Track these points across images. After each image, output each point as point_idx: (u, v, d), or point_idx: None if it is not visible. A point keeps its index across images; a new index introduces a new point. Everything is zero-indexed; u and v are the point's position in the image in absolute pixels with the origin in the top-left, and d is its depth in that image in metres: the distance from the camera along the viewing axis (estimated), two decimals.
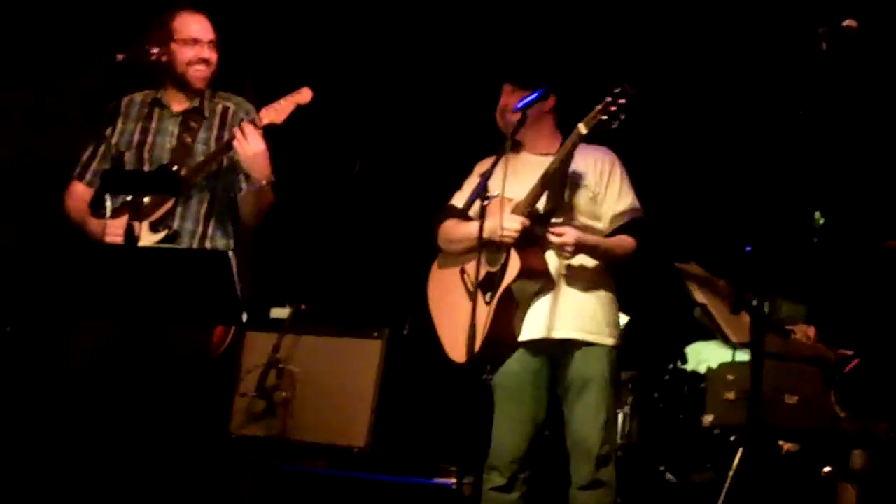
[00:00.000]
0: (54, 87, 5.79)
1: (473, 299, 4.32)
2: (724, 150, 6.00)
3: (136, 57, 4.52)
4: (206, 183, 4.58)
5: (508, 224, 4.44)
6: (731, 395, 5.13)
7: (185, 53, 4.57)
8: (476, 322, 4.30)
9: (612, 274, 4.60)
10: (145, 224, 4.44)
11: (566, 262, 4.50)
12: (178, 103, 4.65)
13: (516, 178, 4.54)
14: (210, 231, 4.59)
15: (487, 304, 4.49)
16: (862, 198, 5.47)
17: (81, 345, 4.42)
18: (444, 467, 5.69)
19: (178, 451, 4.39)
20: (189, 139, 4.60)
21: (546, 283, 4.51)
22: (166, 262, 4.03)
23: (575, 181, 4.55)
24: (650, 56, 6.08)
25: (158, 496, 4.35)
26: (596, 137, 4.46)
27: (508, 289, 4.48)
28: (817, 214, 5.12)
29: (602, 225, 4.57)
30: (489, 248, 4.51)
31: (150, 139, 4.62)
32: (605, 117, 4.33)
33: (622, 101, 4.30)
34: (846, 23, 3.78)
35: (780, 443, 5.21)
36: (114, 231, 4.37)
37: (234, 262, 3.86)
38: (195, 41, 4.57)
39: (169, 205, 4.52)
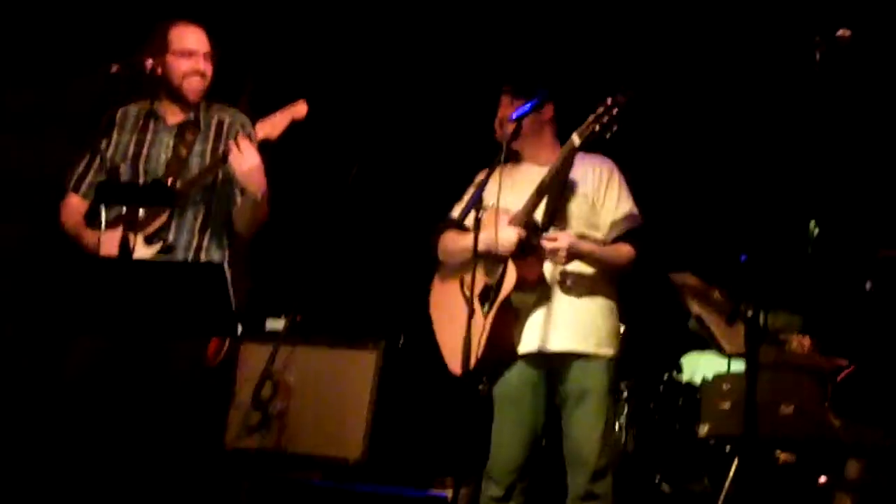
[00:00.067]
0: (55, 90, 5.78)
1: (471, 311, 4.33)
2: (719, 159, 6.01)
3: (131, 68, 4.52)
4: (201, 195, 4.58)
5: (504, 236, 4.44)
6: (726, 405, 5.13)
7: (180, 65, 4.57)
8: (472, 334, 4.32)
9: (612, 283, 4.59)
10: (140, 237, 4.45)
11: (564, 271, 4.50)
12: (173, 115, 4.65)
13: (516, 188, 4.55)
14: (205, 243, 4.59)
15: (485, 315, 4.49)
16: (856, 207, 5.47)
17: (77, 357, 4.41)
18: (439, 478, 5.68)
19: (173, 464, 4.39)
20: (184, 151, 4.60)
21: (543, 294, 4.50)
22: (161, 275, 4.03)
23: (573, 190, 4.55)
24: (646, 66, 6.08)
25: None
26: (594, 147, 4.47)
27: (506, 300, 4.47)
28: (812, 224, 5.12)
29: (601, 234, 4.56)
30: (487, 259, 4.51)
31: (145, 151, 4.62)
32: (597, 128, 4.36)
33: (614, 111, 4.32)
34: (840, 32, 3.79)
35: (777, 453, 5.20)
36: (108, 243, 4.37)
37: (228, 275, 3.87)
38: (190, 53, 4.58)
39: (164, 218, 4.52)
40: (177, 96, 4.62)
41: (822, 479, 5.01)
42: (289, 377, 5.85)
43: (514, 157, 4.68)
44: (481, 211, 4.45)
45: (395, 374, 6.01)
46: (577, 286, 4.52)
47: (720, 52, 6.02)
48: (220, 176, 4.61)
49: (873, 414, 4.53)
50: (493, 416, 4.63)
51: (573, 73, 5.27)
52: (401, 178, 6.67)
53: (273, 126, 4.53)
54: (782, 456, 5.19)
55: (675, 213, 5.41)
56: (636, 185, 4.68)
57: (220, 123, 4.68)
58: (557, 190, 4.52)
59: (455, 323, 4.51)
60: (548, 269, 4.50)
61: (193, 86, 4.60)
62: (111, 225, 4.43)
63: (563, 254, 4.42)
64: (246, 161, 4.46)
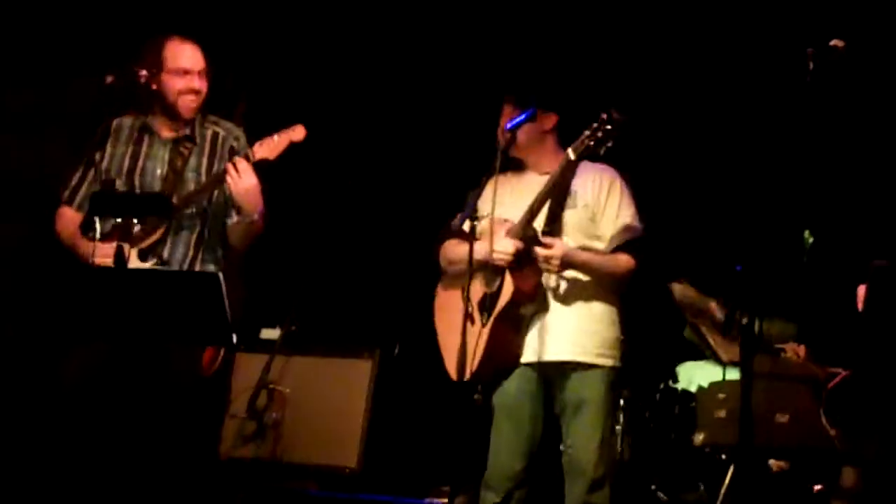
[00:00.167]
0: (55, 90, 5.79)
1: (465, 321, 4.34)
2: (714, 169, 6.02)
3: (126, 78, 4.52)
4: (196, 211, 4.60)
5: (500, 248, 4.45)
6: (721, 414, 5.13)
7: (175, 84, 4.58)
8: (467, 343, 4.32)
9: (613, 292, 4.57)
10: (134, 251, 4.45)
11: (563, 281, 4.49)
12: (168, 130, 4.66)
13: (517, 196, 4.55)
14: (200, 259, 4.60)
15: (483, 325, 4.50)
16: (851, 217, 5.48)
17: (74, 366, 4.41)
18: (435, 487, 5.68)
19: (169, 473, 4.39)
20: (180, 165, 4.62)
21: (542, 305, 4.50)
22: (156, 284, 4.04)
23: (573, 200, 4.55)
24: (640, 76, 6.09)
25: None
26: (596, 158, 4.47)
27: (504, 312, 4.48)
28: (807, 233, 5.13)
29: (602, 244, 4.56)
30: (487, 269, 4.52)
31: (140, 165, 4.62)
32: (591, 143, 4.37)
33: (608, 127, 4.33)
34: (833, 43, 3.80)
35: (770, 461, 5.21)
36: (103, 254, 4.37)
37: (223, 284, 3.87)
38: (185, 72, 4.58)
39: (159, 233, 4.53)
40: (171, 113, 4.63)
41: (817, 487, 5.02)
42: (284, 387, 5.85)
43: (517, 166, 4.68)
44: (476, 220, 4.46)
45: (390, 383, 6.01)
46: (576, 295, 4.52)
47: (713, 63, 6.03)
48: (216, 192, 4.62)
49: (868, 422, 4.53)
50: (488, 425, 4.63)
51: (575, 82, 5.26)
52: (396, 187, 6.67)
53: (271, 148, 4.55)
54: (775, 464, 5.19)
55: (670, 223, 5.41)
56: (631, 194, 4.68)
57: (216, 136, 4.69)
58: (556, 200, 4.52)
59: (455, 331, 4.50)
60: (547, 278, 4.50)
61: (188, 104, 4.61)
62: (106, 237, 4.44)
63: (556, 262, 4.41)
64: (243, 183, 4.48)
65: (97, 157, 4.64)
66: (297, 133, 4.57)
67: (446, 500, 5.20)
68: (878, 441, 4.50)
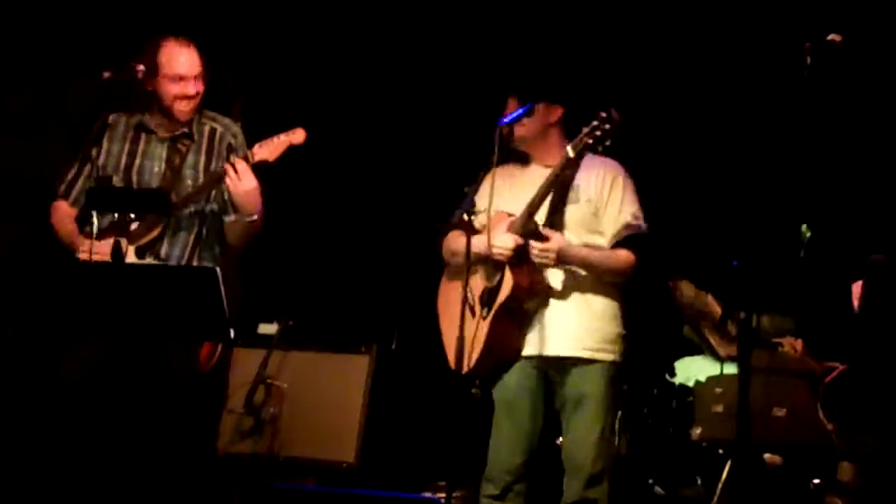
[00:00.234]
0: (55, 90, 5.79)
1: (463, 313, 4.34)
2: (711, 164, 6.01)
3: (123, 74, 4.52)
4: (194, 210, 4.60)
5: (500, 243, 4.45)
6: (719, 408, 5.13)
7: (170, 89, 4.59)
8: (467, 336, 4.33)
9: (614, 287, 4.57)
10: (132, 249, 4.45)
11: (565, 276, 4.49)
12: (165, 128, 4.66)
13: (521, 190, 4.55)
14: (198, 254, 4.61)
15: (484, 319, 4.50)
16: (848, 211, 5.48)
17: (73, 362, 4.42)
18: (432, 482, 5.68)
19: (166, 469, 4.39)
20: (178, 162, 4.62)
21: (542, 300, 4.50)
22: (154, 279, 4.04)
23: (576, 195, 4.54)
24: (637, 70, 6.09)
25: None
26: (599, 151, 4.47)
27: (504, 307, 4.48)
28: (804, 228, 5.13)
29: (603, 240, 4.55)
30: (488, 263, 4.51)
31: (137, 162, 4.63)
32: (590, 141, 4.36)
33: (607, 126, 4.33)
34: (831, 37, 3.80)
35: (765, 455, 5.21)
36: (100, 250, 4.36)
37: (221, 279, 3.87)
38: (181, 77, 4.58)
39: (157, 232, 4.53)
40: (168, 114, 4.63)
41: (815, 481, 5.02)
42: (282, 382, 5.85)
43: (522, 158, 4.68)
44: (472, 214, 4.45)
45: (387, 378, 6.01)
46: (577, 291, 4.52)
47: (710, 57, 6.03)
48: (215, 191, 4.62)
49: (865, 417, 4.53)
50: (486, 419, 4.63)
51: (578, 74, 5.26)
52: (394, 183, 6.67)
53: (271, 150, 4.57)
54: (769, 458, 5.19)
55: (667, 217, 5.40)
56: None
57: (213, 133, 4.70)
58: (558, 195, 4.51)
59: (456, 324, 4.51)
60: (548, 273, 4.49)
61: (183, 108, 4.62)
62: (103, 233, 4.44)
63: (551, 255, 4.41)
64: (243, 185, 4.49)
65: (93, 152, 4.64)
66: (298, 136, 4.59)
67: (444, 495, 5.21)
68: (875, 435, 4.51)
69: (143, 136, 4.66)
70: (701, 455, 5.44)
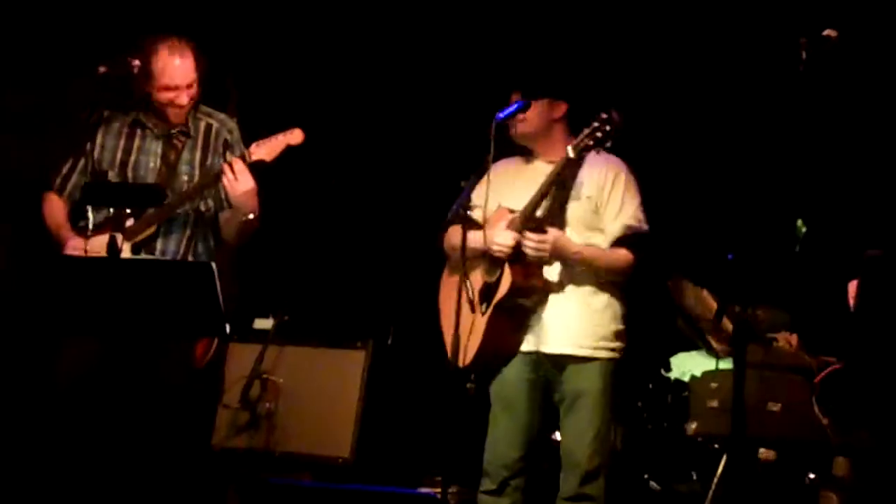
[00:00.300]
0: (55, 90, 5.78)
1: (458, 308, 4.34)
2: (706, 159, 6.01)
3: (119, 68, 4.52)
4: (190, 207, 4.60)
5: (500, 240, 4.45)
6: (714, 403, 5.14)
7: (162, 96, 4.59)
8: (463, 330, 4.35)
9: (615, 285, 4.57)
10: (127, 245, 4.45)
11: (564, 273, 4.49)
12: (160, 125, 4.66)
13: (523, 185, 4.55)
14: (192, 249, 4.61)
15: (483, 314, 4.50)
16: (844, 206, 5.49)
17: (68, 356, 4.41)
18: (428, 477, 5.68)
19: (161, 464, 4.39)
20: (173, 159, 4.62)
21: (542, 297, 4.50)
22: (149, 274, 4.03)
23: (578, 192, 4.54)
24: (632, 65, 6.09)
25: None
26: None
27: (502, 304, 4.48)
28: (799, 222, 5.13)
29: (603, 238, 4.56)
30: (489, 258, 4.51)
31: (132, 158, 4.63)
32: (590, 143, 4.37)
33: (608, 127, 4.33)
34: (826, 32, 3.80)
35: (760, 451, 5.21)
36: (96, 246, 4.36)
37: (216, 273, 3.87)
38: (175, 87, 4.57)
39: (153, 229, 4.53)
40: (161, 115, 4.63)
41: (810, 476, 5.02)
42: (277, 377, 5.85)
43: (527, 154, 4.68)
44: (468, 210, 4.45)
45: (383, 373, 6.01)
46: (576, 288, 4.52)
47: (705, 52, 6.03)
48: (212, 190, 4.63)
49: (860, 412, 4.54)
50: (482, 414, 4.64)
51: (584, 73, 5.25)
52: (390, 178, 6.66)
53: (269, 150, 4.57)
54: (763, 453, 5.20)
55: (662, 211, 5.40)
56: None
57: (209, 129, 4.70)
58: (560, 192, 4.51)
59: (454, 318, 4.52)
60: (548, 270, 4.49)
61: (175, 112, 4.61)
62: (98, 228, 4.44)
63: (546, 247, 4.40)
64: (240, 185, 4.50)
65: (88, 146, 4.64)
66: (296, 136, 4.59)
67: (439, 490, 5.21)
68: (869, 430, 4.51)
69: (139, 131, 4.66)
70: (696, 450, 5.44)
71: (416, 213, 5.76)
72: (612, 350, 4.53)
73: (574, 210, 4.53)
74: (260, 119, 4.86)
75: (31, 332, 4.90)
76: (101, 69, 4.47)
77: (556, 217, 4.50)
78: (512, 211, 4.52)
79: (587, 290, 4.53)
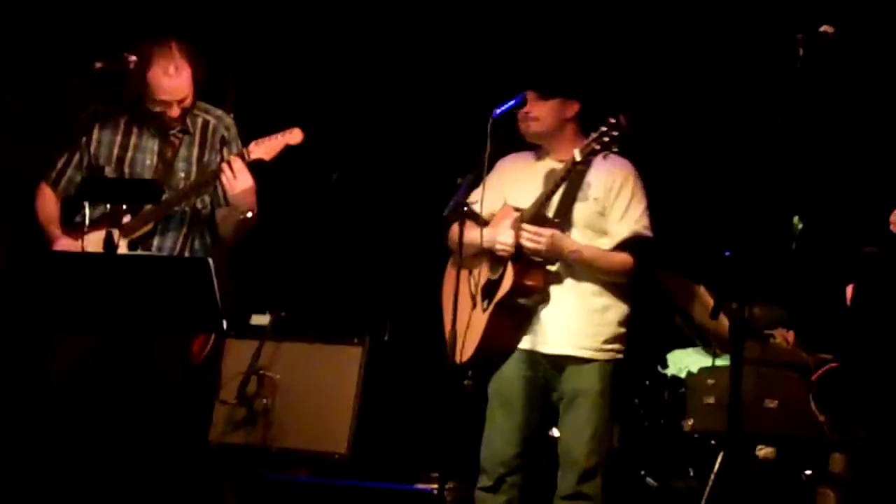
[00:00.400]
0: (55, 90, 5.79)
1: (455, 306, 4.34)
2: (703, 155, 6.02)
3: (115, 64, 4.51)
4: (187, 204, 4.60)
5: (503, 239, 4.45)
6: (711, 400, 5.14)
7: (155, 106, 4.58)
8: (462, 326, 4.37)
9: (618, 286, 4.56)
10: (124, 242, 4.45)
11: (566, 274, 4.48)
12: (156, 124, 4.65)
13: (531, 183, 4.54)
14: (189, 246, 4.61)
15: (484, 311, 4.50)
16: (840, 203, 5.49)
17: (63, 352, 4.41)
18: (425, 473, 5.68)
19: (158, 460, 4.39)
20: (170, 155, 4.61)
21: (543, 297, 4.50)
22: (146, 270, 4.03)
23: (585, 193, 4.53)
24: (628, 62, 6.09)
25: None
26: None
27: (503, 300, 4.47)
28: (796, 219, 5.13)
29: (608, 240, 4.55)
30: (493, 255, 4.51)
31: (129, 155, 4.62)
32: (598, 147, 4.36)
33: (615, 133, 4.32)
34: (823, 29, 3.79)
35: (759, 448, 5.22)
36: (92, 242, 4.36)
37: (213, 269, 3.87)
38: (168, 102, 4.56)
39: (149, 227, 4.53)
40: (157, 114, 4.63)
41: (807, 473, 5.03)
42: (274, 373, 5.85)
43: (538, 152, 4.67)
44: (465, 207, 4.45)
45: (380, 369, 6.01)
46: (578, 289, 4.51)
47: (702, 49, 6.03)
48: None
49: (857, 409, 4.54)
50: (478, 411, 4.64)
51: (596, 71, 5.25)
52: (387, 174, 6.66)
53: (267, 150, 4.57)
54: (762, 452, 5.20)
55: (659, 208, 5.41)
56: None
57: (206, 125, 4.69)
58: (568, 192, 4.50)
59: (458, 312, 4.51)
60: (550, 270, 4.49)
61: (171, 116, 4.61)
62: (95, 224, 4.43)
63: (542, 240, 4.40)
64: (239, 184, 4.50)
65: (84, 141, 4.63)
66: (295, 136, 4.59)
67: (436, 486, 5.21)
68: (866, 427, 4.52)
69: (136, 128, 4.66)
70: (693, 447, 5.45)
71: (412, 210, 5.76)
72: (613, 351, 4.53)
73: (580, 211, 4.52)
74: (260, 119, 4.85)
75: (27, 329, 4.90)
76: (98, 65, 4.46)
77: (563, 217, 4.50)
78: (517, 209, 4.52)
79: (589, 290, 4.52)
